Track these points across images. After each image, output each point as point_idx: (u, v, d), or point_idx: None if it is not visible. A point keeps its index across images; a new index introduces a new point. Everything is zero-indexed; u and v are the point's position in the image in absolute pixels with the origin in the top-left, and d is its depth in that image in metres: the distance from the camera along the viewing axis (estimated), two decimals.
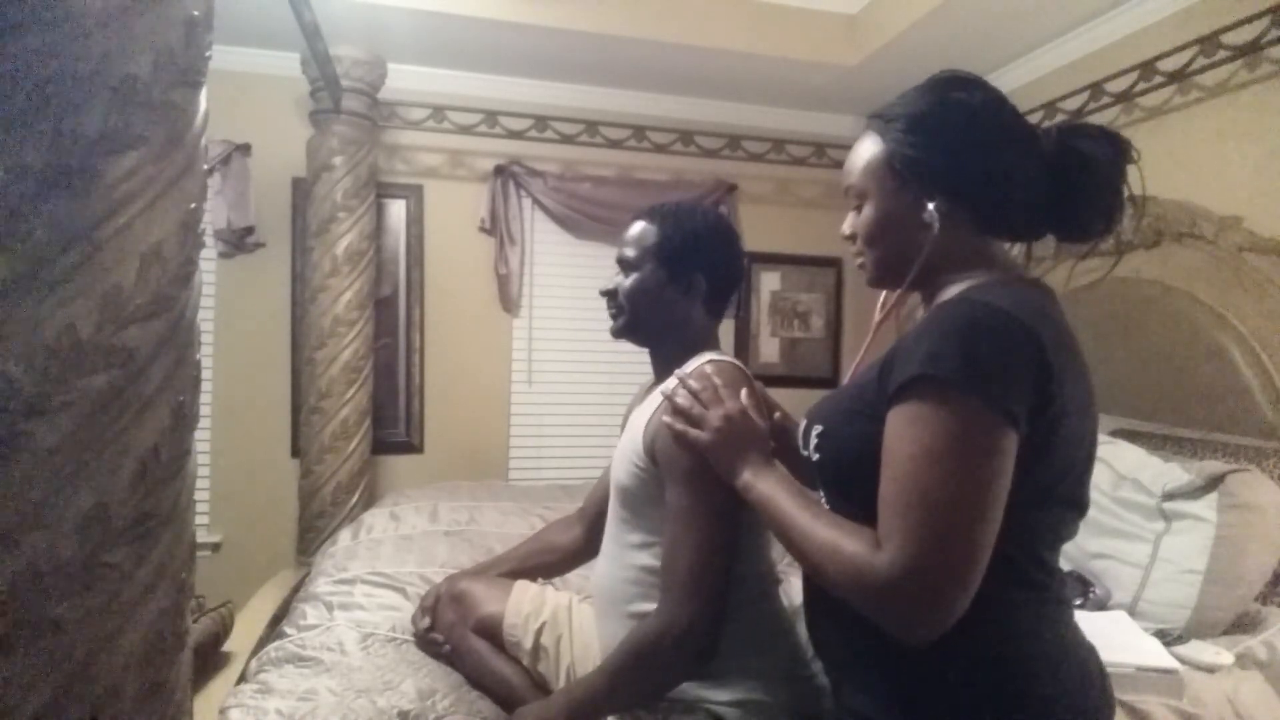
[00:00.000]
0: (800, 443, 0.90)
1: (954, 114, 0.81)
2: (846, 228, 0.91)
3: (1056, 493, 0.76)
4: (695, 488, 0.98)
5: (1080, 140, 0.81)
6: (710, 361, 1.06)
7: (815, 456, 0.85)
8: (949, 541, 0.68)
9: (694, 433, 0.96)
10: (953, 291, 0.81)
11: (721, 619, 0.98)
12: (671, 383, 1.04)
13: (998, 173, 0.80)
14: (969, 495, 0.68)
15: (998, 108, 0.82)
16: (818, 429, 0.85)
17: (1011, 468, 0.69)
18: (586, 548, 1.38)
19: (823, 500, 0.88)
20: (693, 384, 0.99)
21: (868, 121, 0.88)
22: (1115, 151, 0.80)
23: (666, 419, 0.99)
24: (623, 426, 1.29)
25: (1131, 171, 0.81)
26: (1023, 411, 0.69)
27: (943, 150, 0.81)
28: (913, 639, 0.70)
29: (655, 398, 1.08)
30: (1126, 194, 0.81)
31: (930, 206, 0.81)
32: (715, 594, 0.97)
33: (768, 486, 0.87)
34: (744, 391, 1.00)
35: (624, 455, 1.10)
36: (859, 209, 0.88)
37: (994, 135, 0.81)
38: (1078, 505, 0.79)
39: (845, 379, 0.95)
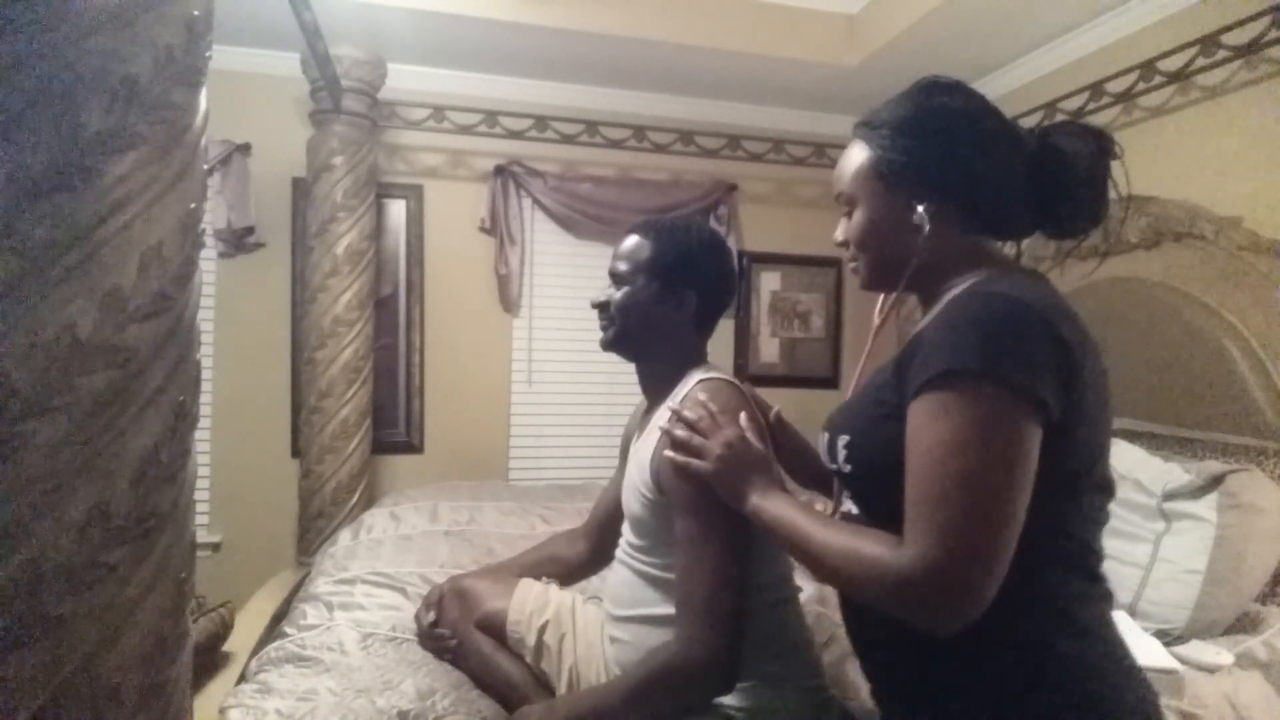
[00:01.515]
0: (825, 456, 0.89)
1: (937, 118, 0.82)
2: (839, 234, 0.92)
3: (1089, 476, 0.75)
4: (703, 517, 0.97)
5: (1060, 138, 0.82)
6: (701, 383, 1.05)
7: (847, 468, 0.83)
8: (972, 529, 0.67)
9: (696, 464, 0.95)
10: (958, 289, 0.81)
11: (741, 643, 0.96)
12: (664, 414, 1.03)
13: (983, 173, 0.81)
14: (993, 481, 0.67)
15: (980, 110, 0.83)
16: (844, 439, 0.83)
17: (1036, 455, 0.69)
18: (592, 561, 1.39)
19: (853, 510, 0.86)
20: (688, 415, 0.98)
21: (854, 129, 0.89)
22: (1097, 148, 0.81)
23: (668, 454, 0.99)
24: (621, 451, 1.29)
25: (1117, 168, 0.82)
26: (1049, 395, 0.69)
27: (928, 153, 0.81)
28: (941, 630, 0.69)
29: (654, 428, 1.08)
30: (1113, 190, 0.82)
31: (919, 209, 0.82)
32: (732, 620, 0.96)
33: (776, 507, 0.87)
34: (742, 415, 0.99)
35: (632, 486, 1.10)
36: (850, 215, 0.89)
37: (977, 137, 0.82)
38: (1107, 488, 0.79)
39: (847, 383, 0.95)
